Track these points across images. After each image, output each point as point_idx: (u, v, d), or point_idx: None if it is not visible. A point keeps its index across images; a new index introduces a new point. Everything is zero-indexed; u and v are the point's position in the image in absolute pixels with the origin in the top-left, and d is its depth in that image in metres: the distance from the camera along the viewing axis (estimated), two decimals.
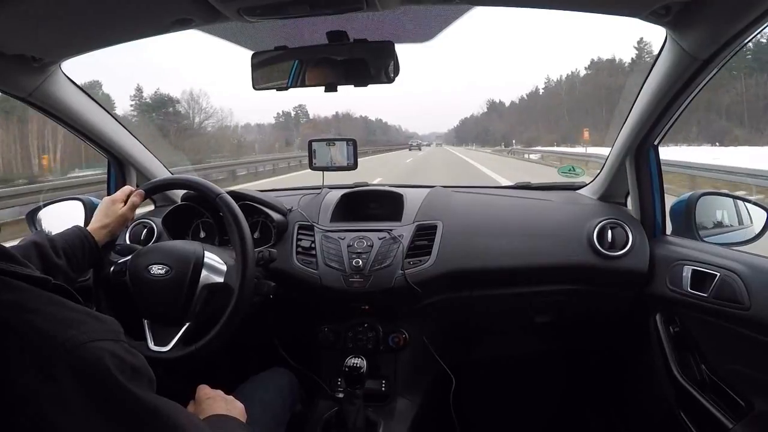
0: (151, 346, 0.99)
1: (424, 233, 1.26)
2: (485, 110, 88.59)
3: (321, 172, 1.46)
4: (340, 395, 1.04)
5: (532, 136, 52.03)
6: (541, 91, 71.94)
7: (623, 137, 1.24)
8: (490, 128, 75.45)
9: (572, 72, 65.68)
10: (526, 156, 21.45)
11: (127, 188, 1.07)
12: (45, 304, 0.47)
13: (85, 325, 0.47)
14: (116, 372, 0.45)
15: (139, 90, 40.05)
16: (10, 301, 0.46)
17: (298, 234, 1.30)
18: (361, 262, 1.20)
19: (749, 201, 1.23)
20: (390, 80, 1.03)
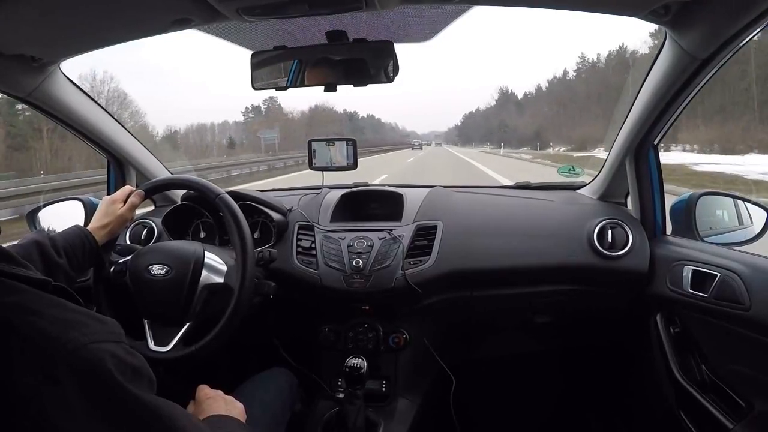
0: (152, 346, 0.99)
1: (424, 233, 1.26)
2: (495, 102, 73.92)
3: (321, 171, 1.46)
4: (341, 395, 1.04)
5: (587, 134, 33.44)
6: (572, 74, 54.49)
7: (623, 137, 1.24)
8: (509, 123, 60.37)
9: (620, 47, 48.31)
10: None
11: (126, 188, 1.07)
12: (46, 306, 0.47)
13: (86, 327, 0.47)
14: (117, 373, 0.45)
15: None
16: (12, 303, 0.46)
17: (298, 234, 1.30)
18: (361, 263, 1.20)
19: (749, 201, 1.23)
20: (389, 80, 1.03)
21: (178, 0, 0.81)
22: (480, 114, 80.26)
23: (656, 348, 1.18)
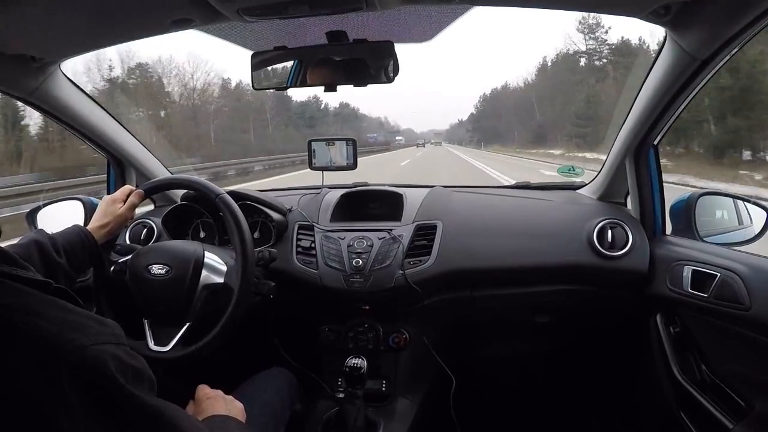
0: (151, 345, 0.99)
1: (424, 233, 1.26)
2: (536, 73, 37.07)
3: (320, 171, 1.46)
4: (341, 395, 1.04)
5: None
6: None
7: (623, 137, 1.24)
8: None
9: None
10: None
11: (126, 188, 1.07)
12: (48, 307, 0.48)
13: (87, 329, 0.47)
14: (119, 375, 0.45)
15: None
16: (14, 304, 0.46)
17: (298, 234, 1.30)
18: (361, 262, 1.20)
19: (749, 201, 1.23)
20: (390, 80, 1.03)
21: (178, 0, 0.81)
22: (513, 93, 41.82)
23: (656, 348, 1.18)
